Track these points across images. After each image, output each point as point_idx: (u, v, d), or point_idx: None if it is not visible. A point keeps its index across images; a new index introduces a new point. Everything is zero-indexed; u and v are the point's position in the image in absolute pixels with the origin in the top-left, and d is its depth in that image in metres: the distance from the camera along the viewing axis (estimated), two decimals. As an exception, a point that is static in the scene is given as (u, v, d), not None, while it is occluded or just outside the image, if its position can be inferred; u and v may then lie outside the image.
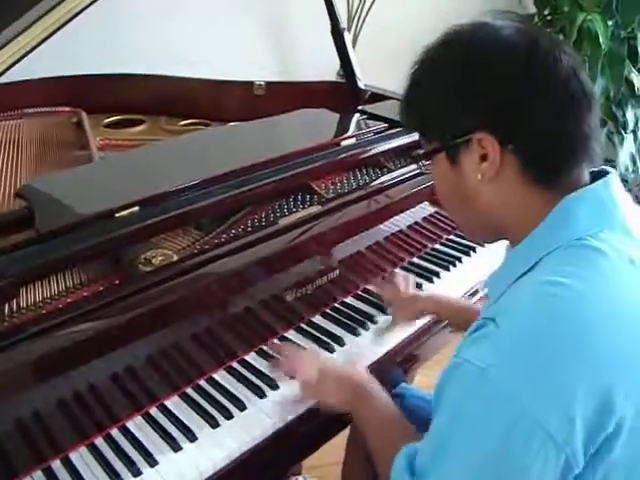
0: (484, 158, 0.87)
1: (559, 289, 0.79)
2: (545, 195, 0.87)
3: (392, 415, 1.08)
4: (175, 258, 1.18)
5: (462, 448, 0.78)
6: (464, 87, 0.87)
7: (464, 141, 0.88)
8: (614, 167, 2.94)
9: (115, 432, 1.07)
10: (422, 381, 1.89)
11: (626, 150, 3.04)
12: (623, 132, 3.01)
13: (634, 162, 3.08)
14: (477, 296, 1.51)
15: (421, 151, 0.98)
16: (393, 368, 1.36)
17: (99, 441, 1.06)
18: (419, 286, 1.49)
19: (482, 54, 0.87)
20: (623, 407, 0.75)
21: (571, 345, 0.76)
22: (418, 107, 0.95)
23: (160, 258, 1.16)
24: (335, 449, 1.37)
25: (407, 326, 1.39)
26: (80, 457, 1.03)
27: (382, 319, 1.40)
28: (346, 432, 1.41)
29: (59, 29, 1.31)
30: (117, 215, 1.15)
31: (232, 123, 1.84)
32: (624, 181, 2.95)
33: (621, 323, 0.79)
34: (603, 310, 0.79)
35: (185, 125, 1.89)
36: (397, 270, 1.52)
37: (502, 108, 0.85)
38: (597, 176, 0.90)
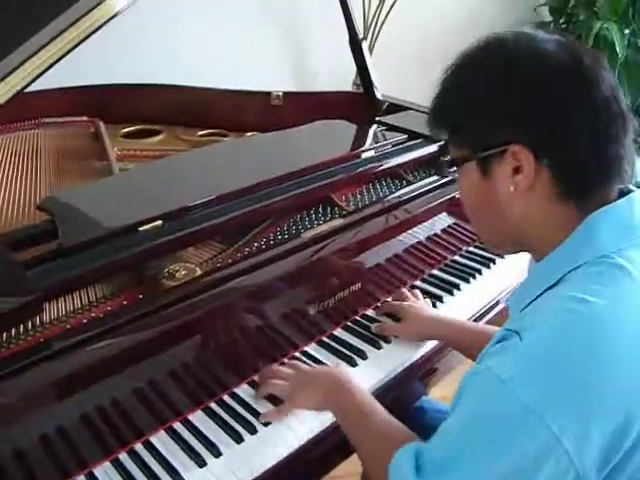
0: (517, 170, 0.86)
1: (584, 307, 0.79)
2: (573, 211, 0.87)
3: (373, 406, 1.07)
4: (198, 272, 1.17)
5: (477, 455, 0.78)
6: (504, 97, 0.85)
7: (498, 152, 0.86)
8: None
9: (139, 447, 1.07)
10: (437, 392, 1.88)
11: (644, 159, 3.02)
12: (640, 141, 2.99)
13: (652, 171, 3.06)
14: (497, 308, 1.50)
15: (448, 158, 0.95)
16: (414, 382, 1.35)
17: (123, 456, 1.05)
18: (440, 298, 1.49)
19: (525, 66, 0.85)
20: None
21: (592, 365, 0.76)
22: (451, 113, 0.93)
23: (183, 272, 1.16)
24: (353, 459, 1.36)
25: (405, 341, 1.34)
26: (104, 472, 1.03)
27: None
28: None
29: (79, 44, 1.31)
30: (140, 229, 1.15)
31: (249, 133, 1.85)
32: (642, 190, 2.93)
33: None
34: (625, 331, 0.78)
35: (202, 135, 1.89)
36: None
37: (542, 122, 0.83)
38: (624, 194, 0.89)
